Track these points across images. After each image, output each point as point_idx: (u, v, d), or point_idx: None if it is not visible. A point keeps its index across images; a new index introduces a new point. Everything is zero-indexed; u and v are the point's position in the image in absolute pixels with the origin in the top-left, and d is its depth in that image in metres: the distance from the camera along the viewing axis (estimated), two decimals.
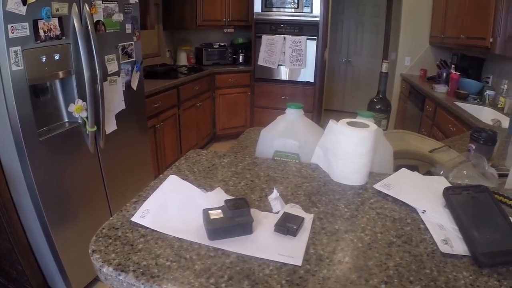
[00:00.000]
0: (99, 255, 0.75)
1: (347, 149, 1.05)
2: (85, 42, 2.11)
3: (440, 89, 4.09)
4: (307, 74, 4.92)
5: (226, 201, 0.83)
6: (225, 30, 5.27)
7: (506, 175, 1.30)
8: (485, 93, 3.63)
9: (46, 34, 1.93)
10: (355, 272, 0.71)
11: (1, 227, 2.03)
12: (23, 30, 1.80)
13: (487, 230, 0.81)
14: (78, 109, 2.17)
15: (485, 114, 3.26)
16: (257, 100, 5.28)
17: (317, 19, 4.67)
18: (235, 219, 0.78)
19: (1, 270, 2.23)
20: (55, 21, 1.97)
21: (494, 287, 0.68)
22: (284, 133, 1.28)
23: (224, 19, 5.09)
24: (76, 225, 2.26)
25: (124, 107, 2.66)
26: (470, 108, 3.34)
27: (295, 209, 0.89)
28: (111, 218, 0.88)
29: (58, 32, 2.00)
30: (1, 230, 2.04)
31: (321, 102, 5.43)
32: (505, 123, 2.70)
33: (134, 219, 0.86)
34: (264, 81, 5.13)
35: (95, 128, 2.29)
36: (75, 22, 2.07)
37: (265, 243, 0.77)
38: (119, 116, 2.61)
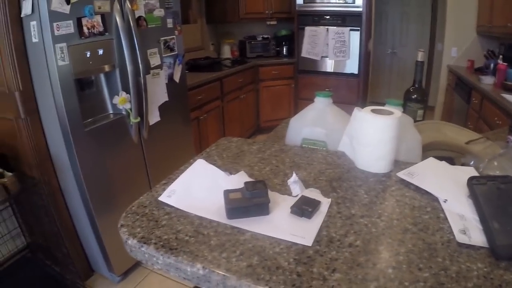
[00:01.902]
0: (126, 229, 0.82)
1: (370, 136, 1.06)
2: (128, 37, 2.21)
3: (487, 81, 3.92)
4: (351, 65, 4.85)
5: (246, 183, 0.87)
6: (267, 23, 5.29)
7: None
8: None
9: (90, 31, 2.04)
10: (364, 255, 0.72)
11: (49, 212, 2.17)
12: (67, 27, 1.91)
13: (509, 222, 0.78)
14: (122, 101, 2.27)
15: None
16: (300, 92, 5.27)
17: (360, 9, 4.59)
18: (253, 200, 0.83)
19: (48, 253, 2.38)
20: (98, 18, 2.07)
21: (509, 281, 0.65)
22: (312, 121, 1.31)
23: (267, 11, 5.11)
24: (120, 211, 2.33)
25: (167, 99, 2.75)
26: None
27: (314, 193, 0.92)
28: (141, 197, 0.96)
29: (101, 29, 2.11)
30: (49, 214, 2.17)
31: (365, 94, 5.36)
32: None
33: (161, 198, 0.93)
34: (308, 73, 5.11)
35: (138, 119, 2.40)
36: (117, 19, 2.17)
37: (280, 224, 0.81)
38: (162, 108, 2.71)
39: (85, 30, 2.00)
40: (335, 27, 4.73)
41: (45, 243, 2.34)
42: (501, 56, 4.10)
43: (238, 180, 0.95)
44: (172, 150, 2.90)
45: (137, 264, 2.62)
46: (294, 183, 0.94)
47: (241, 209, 0.82)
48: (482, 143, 1.62)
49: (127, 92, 2.29)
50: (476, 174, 1.04)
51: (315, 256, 0.73)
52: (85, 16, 1.99)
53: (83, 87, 2.17)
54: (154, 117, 2.64)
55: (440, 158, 1.18)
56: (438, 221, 0.84)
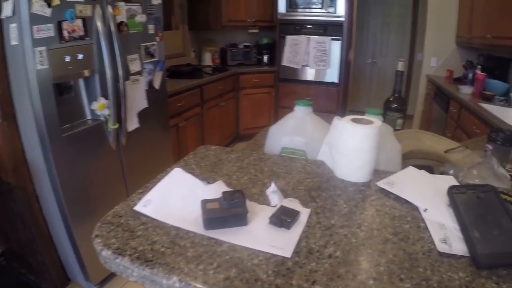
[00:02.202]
0: (100, 240, 0.79)
1: (350, 145, 1.06)
2: (108, 42, 2.18)
3: (465, 90, 3.99)
4: (332, 74, 4.90)
5: (224, 192, 0.85)
6: (249, 31, 5.32)
7: None
8: (511, 94, 3.53)
9: (70, 35, 2.00)
10: (344, 267, 0.71)
11: (24, 218, 2.11)
12: (47, 31, 1.88)
13: (490, 230, 0.79)
14: (101, 107, 2.24)
15: (511, 116, 3.17)
16: (281, 100, 5.29)
17: (342, 19, 4.65)
18: (230, 210, 0.81)
19: (23, 260, 2.31)
20: (79, 22, 2.04)
21: None
22: (292, 130, 1.30)
23: (249, 20, 5.12)
24: (96, 219, 2.27)
25: (146, 105, 2.72)
26: (496, 110, 3.25)
27: (293, 203, 0.91)
28: (116, 207, 0.93)
29: (81, 33, 2.07)
30: (24, 221, 2.12)
31: (345, 103, 5.39)
32: None
33: (137, 208, 0.90)
34: (288, 81, 5.14)
35: (117, 126, 2.36)
36: (98, 23, 2.14)
37: (258, 235, 0.80)
38: (141, 115, 2.67)
39: (66, 34, 1.97)
40: (316, 36, 4.78)
41: (20, 251, 2.28)
42: (479, 67, 4.18)
43: (216, 189, 0.93)
44: (151, 157, 2.87)
45: (113, 274, 2.55)
46: (272, 193, 0.92)
47: (218, 219, 0.80)
48: (460, 152, 1.64)
49: (106, 98, 2.26)
50: (455, 183, 1.04)
51: (294, 267, 0.71)
52: (66, 20, 1.96)
53: (61, 92, 2.13)
54: (133, 124, 2.60)
55: (419, 167, 1.18)
56: (418, 231, 0.83)
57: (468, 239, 0.77)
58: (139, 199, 0.94)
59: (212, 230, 0.81)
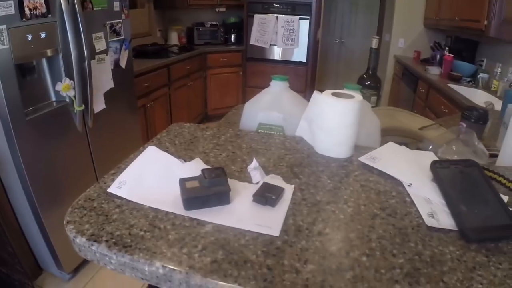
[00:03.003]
0: (73, 226, 0.72)
1: (331, 120, 1.02)
2: (72, 20, 2.07)
3: (433, 71, 4.06)
4: (300, 54, 4.89)
5: (203, 170, 0.80)
6: (217, 10, 5.21)
7: (497, 156, 1.28)
8: (479, 76, 3.61)
9: (32, 12, 1.88)
10: (335, 244, 0.69)
11: None
12: (7, 8, 1.75)
13: (476, 205, 0.80)
14: (66, 88, 2.13)
15: (478, 97, 3.24)
16: (249, 79, 5.25)
17: None
18: (212, 189, 0.76)
19: None
20: None
21: (482, 262, 0.65)
22: (268, 105, 1.25)
23: None
24: (66, 206, 2.20)
25: (112, 85, 2.62)
26: (463, 90, 3.33)
27: (275, 180, 0.87)
28: (87, 189, 0.85)
29: (44, 10, 1.95)
30: None
31: (313, 82, 5.40)
32: (498, 106, 2.68)
33: (111, 190, 0.83)
34: (256, 60, 5.09)
35: (83, 107, 2.26)
36: (61, 0, 2.01)
37: (242, 214, 0.75)
38: (108, 95, 2.58)
39: (27, 11, 1.85)
40: (284, 16, 4.73)
41: None
42: (447, 48, 4.24)
43: (194, 167, 0.87)
44: (119, 139, 2.78)
45: (86, 260, 2.48)
46: (254, 169, 0.88)
47: (199, 199, 0.75)
48: (435, 129, 1.65)
49: (71, 78, 2.15)
50: (435, 158, 1.03)
51: (284, 247, 0.68)
52: None
53: (24, 73, 2.00)
54: (99, 105, 2.50)
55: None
56: (405, 206, 0.83)
57: (455, 214, 0.77)
58: (112, 180, 0.87)
59: (193, 211, 0.75)
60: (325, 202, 0.82)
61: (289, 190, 0.84)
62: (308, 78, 4.96)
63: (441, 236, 0.72)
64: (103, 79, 2.53)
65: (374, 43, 1.73)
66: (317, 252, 0.66)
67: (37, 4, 1.90)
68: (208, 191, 0.75)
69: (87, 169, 2.47)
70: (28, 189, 2.01)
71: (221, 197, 0.77)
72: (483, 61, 3.96)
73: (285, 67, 4.99)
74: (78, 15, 2.12)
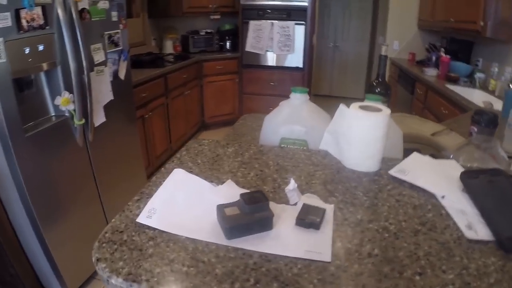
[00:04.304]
0: (105, 264, 0.66)
1: (361, 134, 1.00)
2: (70, 31, 2.00)
3: (430, 73, 4.06)
4: (296, 59, 4.85)
5: (242, 195, 0.75)
6: (211, 17, 5.15)
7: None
8: (475, 75, 3.61)
9: (29, 24, 1.82)
10: (387, 265, 0.67)
11: None
12: (4, 20, 1.69)
13: (509, 214, 0.79)
14: (65, 102, 2.07)
15: (476, 97, 3.24)
16: (245, 86, 5.20)
17: (305, 3, 4.59)
18: (254, 215, 0.72)
19: None
20: (38, 10, 1.86)
21: None
22: (289, 119, 1.22)
23: (211, 6, 4.95)
24: (67, 222, 2.18)
25: (112, 97, 2.56)
26: (461, 91, 3.32)
27: (313, 200, 0.83)
28: (113, 220, 0.79)
29: (41, 22, 1.89)
30: None
31: (309, 88, 5.38)
32: (496, 105, 2.69)
33: (140, 220, 0.77)
34: (252, 67, 5.05)
35: (83, 121, 2.20)
36: (59, 11, 1.95)
37: (288, 239, 0.71)
38: (107, 108, 2.51)
39: (24, 23, 1.79)
40: (280, 21, 4.69)
41: None
42: (443, 49, 4.25)
43: (228, 191, 0.83)
44: (119, 152, 2.72)
45: (91, 277, 2.43)
46: (292, 190, 0.83)
47: (242, 226, 0.71)
48: (446, 134, 1.64)
49: (70, 91, 2.09)
50: (459, 167, 1.03)
51: (338, 272, 0.65)
52: (24, 8, 1.77)
53: (22, 88, 1.93)
54: (99, 118, 2.44)
55: (408, 151, 1.19)
56: (442, 219, 0.82)
57: (491, 224, 0.77)
58: (138, 208, 0.82)
59: (235, 239, 0.71)
60: (367, 220, 0.80)
61: (329, 210, 0.81)
62: (305, 83, 4.93)
63: (481, 247, 0.72)
64: (103, 91, 2.47)
65: (384, 50, 1.70)
66: (372, 276, 0.64)
67: (35, 16, 1.84)
68: (250, 218, 0.71)
69: (88, 183, 2.41)
70: (29, 207, 1.94)
71: (264, 224, 0.73)
72: (479, 61, 3.97)
73: (282, 72, 4.96)
74: (76, 26, 2.06)
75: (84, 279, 2.39)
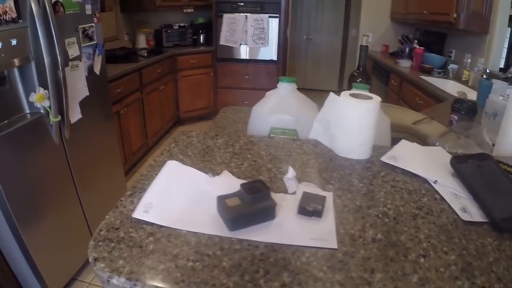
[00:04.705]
0: (103, 264, 0.62)
1: (353, 121, 1.00)
2: (44, 25, 1.93)
3: (404, 64, 4.12)
4: (270, 52, 4.86)
5: (243, 184, 0.74)
6: (184, 10, 5.07)
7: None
8: (449, 66, 3.68)
9: (1, 18, 1.75)
10: (392, 249, 0.68)
11: None
12: None
13: (501, 196, 0.83)
14: (40, 98, 2.01)
15: (449, 87, 3.31)
16: (220, 80, 5.18)
17: None
18: (256, 205, 0.70)
19: None
20: (11, 3, 1.78)
21: None
22: (278, 108, 1.21)
23: None
24: (47, 223, 2.12)
25: (87, 93, 2.50)
26: (435, 82, 3.39)
27: (312, 188, 0.83)
28: (106, 217, 0.75)
29: (14, 15, 1.82)
30: None
31: None
32: (470, 95, 2.75)
33: (136, 215, 0.74)
34: (227, 61, 5.03)
35: (59, 118, 2.13)
36: (32, 4, 1.88)
37: (291, 228, 0.70)
38: (83, 104, 2.45)
39: None
40: (254, 14, 4.68)
41: None
42: (416, 41, 4.31)
43: (225, 181, 0.81)
44: (96, 149, 2.66)
45: (73, 279, 2.38)
46: (291, 179, 0.82)
47: (245, 217, 0.69)
48: (426, 123, 1.66)
49: (45, 87, 2.02)
50: (445, 153, 1.06)
51: (346, 258, 0.64)
52: None
53: None
54: (75, 115, 2.38)
55: (393, 139, 1.25)
56: (437, 203, 0.84)
57: (483, 206, 0.80)
58: (132, 203, 0.79)
59: (238, 231, 0.69)
60: (366, 207, 0.80)
61: (329, 197, 0.81)
62: (280, 76, 4.93)
63: (477, 229, 0.75)
64: (78, 87, 2.40)
65: (365, 41, 1.70)
66: (379, 260, 0.65)
67: (7, 9, 1.77)
68: (253, 208, 0.70)
69: (66, 182, 2.34)
70: (6, 207, 1.87)
71: (267, 213, 0.71)
72: (452, 52, 4.06)
73: (256, 66, 4.96)
74: (50, 19, 1.98)
75: (66, 281, 2.33)
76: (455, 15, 3.32)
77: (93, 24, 2.51)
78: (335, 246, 0.67)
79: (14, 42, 1.84)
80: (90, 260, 0.64)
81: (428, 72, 3.75)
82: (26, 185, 2.00)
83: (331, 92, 1.07)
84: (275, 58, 4.89)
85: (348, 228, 0.72)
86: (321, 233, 0.69)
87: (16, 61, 1.90)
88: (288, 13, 4.97)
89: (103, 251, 0.65)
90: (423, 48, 4.01)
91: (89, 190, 2.53)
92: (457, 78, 3.56)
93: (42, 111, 2.07)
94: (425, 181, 0.92)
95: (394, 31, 5.25)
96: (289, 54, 6.20)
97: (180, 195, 0.79)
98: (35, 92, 2.00)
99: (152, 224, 0.72)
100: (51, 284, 2.16)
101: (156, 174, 0.88)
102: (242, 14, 4.69)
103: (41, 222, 2.07)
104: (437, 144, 1.27)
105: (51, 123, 2.11)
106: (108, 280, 0.60)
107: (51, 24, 1.98)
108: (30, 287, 2.19)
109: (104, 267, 0.61)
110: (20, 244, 1.98)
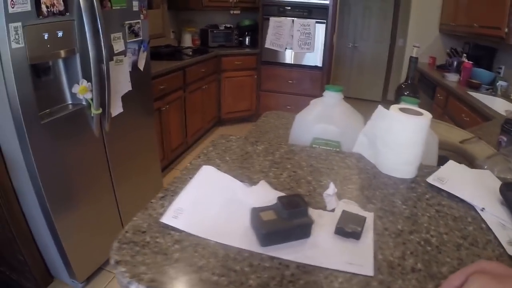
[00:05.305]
0: (125, 268, 0.59)
1: (401, 138, 0.94)
2: (90, 19, 1.96)
3: (452, 78, 3.98)
4: (315, 58, 4.79)
5: (280, 198, 0.70)
6: (231, 12, 5.09)
7: None
8: (497, 83, 3.53)
9: (49, 10, 1.78)
10: (431, 281, 0.62)
11: (2, 216, 1.91)
12: (24, 4, 1.65)
13: None
14: (83, 90, 2.04)
15: (497, 105, 3.16)
16: (263, 83, 5.16)
17: (327, 2, 4.53)
18: (293, 221, 0.66)
19: (2, 260, 2.12)
20: None
21: None
22: (323, 118, 1.16)
23: (231, 0, 4.91)
24: (79, 212, 2.15)
25: (130, 88, 2.53)
26: (483, 98, 3.25)
27: (352, 207, 0.78)
28: (134, 218, 0.73)
29: (61, 8, 1.85)
30: (1, 219, 1.92)
31: None
32: None
33: (165, 220, 0.71)
34: (271, 64, 5.00)
35: (100, 111, 2.16)
36: None
37: (326, 249, 0.66)
38: (125, 98, 2.48)
39: (44, 8, 1.74)
40: (301, 19, 4.62)
41: None
42: (464, 55, 4.16)
43: (262, 193, 0.77)
44: (135, 144, 2.69)
45: (100, 268, 2.41)
46: (331, 196, 0.78)
47: (279, 233, 0.65)
48: (474, 142, 1.59)
49: (88, 80, 2.05)
50: (494, 177, 0.99)
51: None
52: None
53: (39, 74, 1.90)
54: (116, 108, 2.41)
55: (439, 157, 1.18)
56: (483, 233, 0.77)
57: None
58: (162, 206, 0.76)
59: (269, 247, 0.65)
60: (408, 231, 0.75)
61: (369, 218, 0.75)
62: (324, 83, 4.85)
63: None
64: (121, 81, 2.43)
65: (415, 52, 1.63)
66: None
67: (55, 1, 1.80)
68: (289, 224, 0.65)
69: (102, 174, 2.38)
70: (41, 194, 1.91)
71: (303, 231, 0.67)
72: (501, 68, 3.88)
73: (301, 71, 4.90)
74: (97, 14, 2.01)
75: (94, 269, 2.37)
76: (506, 29, 3.16)
77: (139, 21, 2.54)
78: (371, 274, 0.62)
79: (60, 34, 1.87)
80: (112, 262, 0.61)
81: (476, 88, 3.60)
82: (63, 173, 2.04)
83: (379, 105, 1.01)
84: (320, 64, 4.82)
85: (387, 254, 0.67)
86: (358, 258, 0.64)
87: (62, 53, 1.94)
88: (335, 19, 4.90)
89: (126, 254, 0.63)
90: (472, 62, 3.85)
91: (125, 183, 2.55)
92: (506, 96, 3.41)
93: (84, 103, 2.11)
94: (471, 207, 0.86)
95: (442, 43, 5.08)
96: (334, 61, 6.13)
97: (212, 203, 0.76)
98: (78, 84, 2.03)
99: (180, 231, 0.69)
100: (78, 271, 2.20)
101: (190, 178, 0.86)
102: (288, 18, 4.65)
103: (74, 210, 2.11)
104: (485, 167, 1.19)
105: (92, 115, 2.14)
106: (127, 286, 0.57)
107: (98, 18, 2.01)
108: (58, 274, 2.24)
109: (125, 272, 0.59)
110: (52, 231, 2.02)
